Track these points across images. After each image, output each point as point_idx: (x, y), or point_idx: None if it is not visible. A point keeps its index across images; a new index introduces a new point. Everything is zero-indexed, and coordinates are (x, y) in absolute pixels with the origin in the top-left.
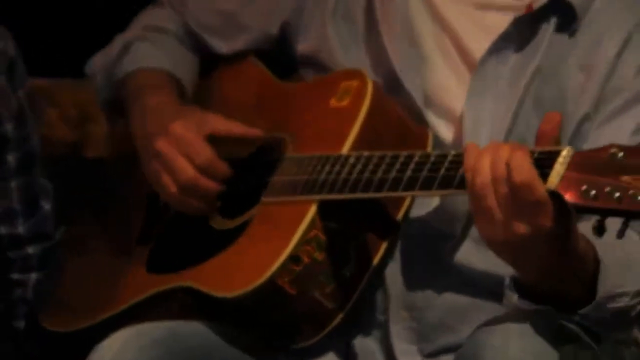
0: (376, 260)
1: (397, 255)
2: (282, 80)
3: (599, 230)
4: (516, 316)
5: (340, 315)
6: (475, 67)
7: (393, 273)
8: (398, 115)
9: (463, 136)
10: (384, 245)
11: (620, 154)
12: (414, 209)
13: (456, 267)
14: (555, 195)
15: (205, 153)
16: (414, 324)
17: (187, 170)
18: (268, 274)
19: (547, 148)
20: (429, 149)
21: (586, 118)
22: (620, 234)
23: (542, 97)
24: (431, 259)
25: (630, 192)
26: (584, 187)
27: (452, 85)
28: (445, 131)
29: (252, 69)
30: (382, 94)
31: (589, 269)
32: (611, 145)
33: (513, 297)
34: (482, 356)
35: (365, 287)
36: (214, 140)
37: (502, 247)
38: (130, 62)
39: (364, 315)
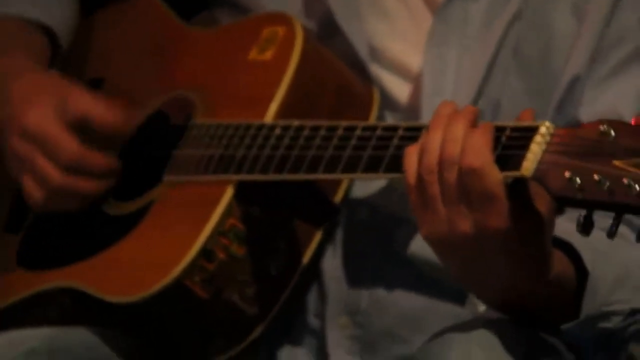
0: (309, 253)
1: (336, 246)
2: (188, 24)
3: (585, 227)
4: (481, 323)
5: (264, 323)
6: (437, 11)
7: (332, 269)
8: (336, 71)
9: (421, 97)
10: (318, 235)
11: (612, 133)
12: (357, 188)
13: (410, 260)
14: (519, 188)
15: (70, 148)
16: (356, 331)
17: (53, 175)
18: (174, 273)
19: (523, 123)
20: (373, 113)
21: (578, 80)
22: (612, 233)
23: (523, 49)
24: (379, 250)
25: (624, 180)
26: (568, 174)
27: (408, 32)
28: (398, 91)
29: (150, 8)
30: (316, 45)
31: (567, 292)
32: (600, 122)
33: (479, 306)
34: None
35: (295, 288)
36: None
37: (443, 248)
38: None
39: (294, 320)
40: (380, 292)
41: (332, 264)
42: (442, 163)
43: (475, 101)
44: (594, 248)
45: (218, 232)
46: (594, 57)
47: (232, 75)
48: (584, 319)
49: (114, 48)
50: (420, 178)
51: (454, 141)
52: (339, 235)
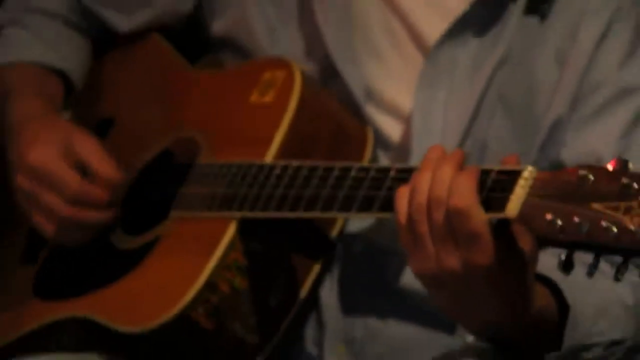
0: (307, 285)
1: (334, 278)
2: (193, 66)
3: (566, 266)
4: (469, 353)
5: (265, 352)
6: (428, 55)
7: (329, 299)
8: (333, 113)
9: (411, 137)
10: (316, 268)
11: (591, 177)
12: (352, 223)
13: (402, 291)
14: (503, 228)
15: (72, 183)
16: (352, 359)
17: (59, 207)
18: (180, 305)
19: (507, 167)
20: (368, 152)
21: (559, 122)
22: (591, 272)
23: (508, 93)
24: (373, 281)
25: (602, 223)
26: (550, 216)
27: (400, 75)
28: (390, 130)
29: (158, 52)
30: (313, 87)
31: (549, 324)
32: (580, 167)
33: (467, 336)
34: None
35: (294, 318)
36: (112, 139)
37: (433, 283)
38: (1, 53)
39: (293, 348)
40: (374, 322)
41: (330, 295)
42: (430, 203)
43: (462, 141)
44: (575, 282)
45: (222, 265)
46: (574, 101)
47: (235, 117)
48: (566, 351)
49: (123, 89)
50: (410, 217)
51: (442, 183)
52: (336, 267)
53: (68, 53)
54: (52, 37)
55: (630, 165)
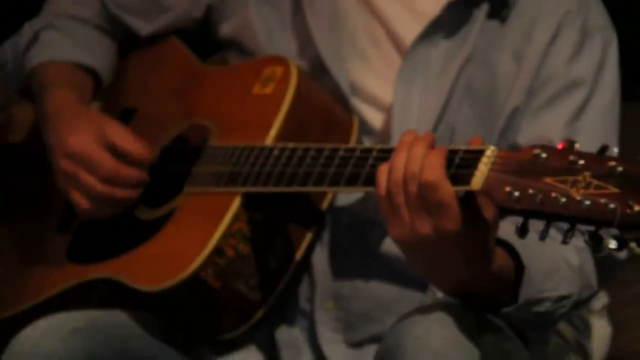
0: (301, 251)
1: (324, 245)
2: (204, 63)
3: (522, 231)
4: (439, 307)
5: (265, 307)
6: (405, 54)
7: (320, 263)
8: (323, 103)
9: (391, 124)
10: (309, 236)
11: (544, 155)
12: (340, 197)
13: (383, 256)
14: (469, 199)
15: (107, 164)
16: (339, 313)
17: (94, 185)
18: (192, 267)
19: (472, 147)
20: (353, 137)
21: (517, 111)
22: (543, 236)
23: (474, 86)
24: (359, 248)
25: (553, 194)
26: (508, 189)
27: (381, 72)
28: (373, 119)
29: (174, 51)
30: (307, 81)
31: (507, 282)
32: (534, 146)
33: (437, 293)
34: (403, 346)
35: (290, 279)
36: (134, 126)
37: (409, 248)
38: (37, 54)
39: (289, 305)
40: (359, 282)
41: (320, 259)
42: (405, 178)
43: (435, 127)
44: (529, 246)
45: (228, 234)
46: (529, 93)
47: (239, 106)
48: (522, 304)
49: (144, 82)
50: (388, 191)
51: (415, 161)
52: (326, 235)
53: (97, 53)
54: (83, 39)
55: (577, 146)
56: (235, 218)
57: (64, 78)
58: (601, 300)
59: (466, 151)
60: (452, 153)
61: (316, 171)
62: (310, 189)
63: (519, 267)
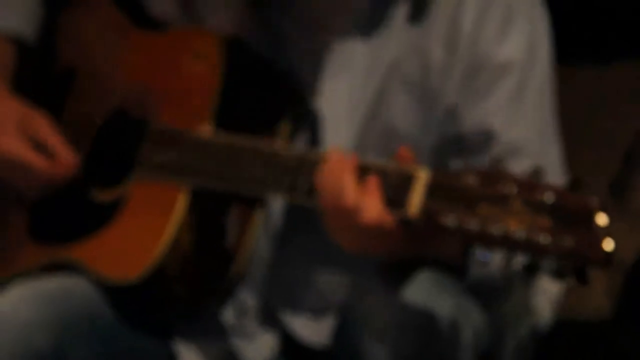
0: (251, 233)
1: (267, 230)
2: (140, 27)
3: (465, 254)
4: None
5: (222, 292)
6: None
7: (266, 249)
8: (255, 79)
9: (323, 119)
10: (256, 219)
11: (477, 180)
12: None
13: (328, 240)
14: (408, 223)
15: (40, 163)
16: (288, 291)
17: (30, 187)
18: (152, 259)
19: (404, 169)
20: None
21: (456, 104)
22: (485, 260)
23: (406, 69)
24: (308, 235)
25: (489, 225)
26: (445, 217)
27: (310, 65)
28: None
29: (107, 12)
30: (237, 57)
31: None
32: (466, 170)
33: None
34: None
35: (242, 261)
36: (77, 88)
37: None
38: None
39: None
40: (302, 267)
41: (266, 246)
42: (344, 212)
43: (369, 121)
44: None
45: (180, 222)
46: (464, 82)
47: (173, 80)
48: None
49: (79, 42)
50: (331, 216)
51: (350, 195)
52: (273, 225)
53: (21, 13)
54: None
55: (509, 168)
56: (184, 208)
57: None
58: None
59: (398, 177)
60: (385, 176)
61: (255, 174)
62: (246, 192)
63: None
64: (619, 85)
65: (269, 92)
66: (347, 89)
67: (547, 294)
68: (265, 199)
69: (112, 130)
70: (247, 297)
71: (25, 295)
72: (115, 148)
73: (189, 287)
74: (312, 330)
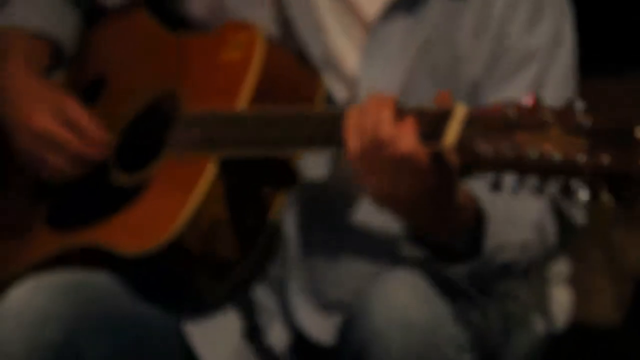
0: (275, 210)
1: (295, 216)
2: (174, 32)
3: (496, 186)
4: (407, 269)
5: (243, 267)
6: (369, 31)
7: (292, 234)
8: (290, 68)
9: (358, 96)
10: (281, 197)
11: (514, 111)
12: (311, 170)
13: (354, 229)
14: (442, 157)
15: (73, 142)
16: (312, 283)
17: (60, 163)
18: (172, 231)
19: (442, 107)
20: (319, 98)
21: (478, 85)
22: (515, 191)
23: (437, 62)
24: (330, 221)
25: (525, 149)
26: (481, 145)
27: (348, 49)
28: (340, 93)
29: (141, 21)
30: (273, 47)
31: (470, 219)
32: (504, 104)
33: (406, 247)
34: (371, 305)
35: (265, 240)
36: (106, 95)
37: (385, 202)
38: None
39: (264, 270)
40: (329, 255)
41: (292, 230)
42: (379, 145)
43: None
44: (486, 198)
45: (205, 196)
46: (489, 66)
47: (208, 73)
48: (488, 250)
49: (112, 53)
50: (361, 154)
51: (386, 130)
52: (298, 210)
53: (58, 19)
54: (45, 5)
55: (546, 101)
56: (211, 181)
57: (22, 49)
58: (561, 267)
59: (438, 112)
60: (422, 116)
61: (285, 134)
62: (280, 151)
63: (477, 214)
64: (631, 95)
65: (303, 76)
66: (381, 71)
67: (557, 302)
68: (294, 174)
69: (143, 122)
70: (266, 290)
71: (39, 287)
72: (145, 137)
73: (208, 261)
74: (321, 327)
